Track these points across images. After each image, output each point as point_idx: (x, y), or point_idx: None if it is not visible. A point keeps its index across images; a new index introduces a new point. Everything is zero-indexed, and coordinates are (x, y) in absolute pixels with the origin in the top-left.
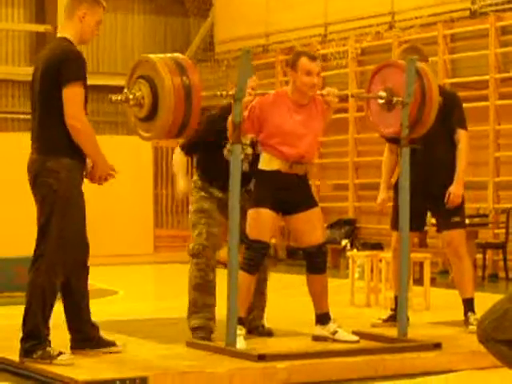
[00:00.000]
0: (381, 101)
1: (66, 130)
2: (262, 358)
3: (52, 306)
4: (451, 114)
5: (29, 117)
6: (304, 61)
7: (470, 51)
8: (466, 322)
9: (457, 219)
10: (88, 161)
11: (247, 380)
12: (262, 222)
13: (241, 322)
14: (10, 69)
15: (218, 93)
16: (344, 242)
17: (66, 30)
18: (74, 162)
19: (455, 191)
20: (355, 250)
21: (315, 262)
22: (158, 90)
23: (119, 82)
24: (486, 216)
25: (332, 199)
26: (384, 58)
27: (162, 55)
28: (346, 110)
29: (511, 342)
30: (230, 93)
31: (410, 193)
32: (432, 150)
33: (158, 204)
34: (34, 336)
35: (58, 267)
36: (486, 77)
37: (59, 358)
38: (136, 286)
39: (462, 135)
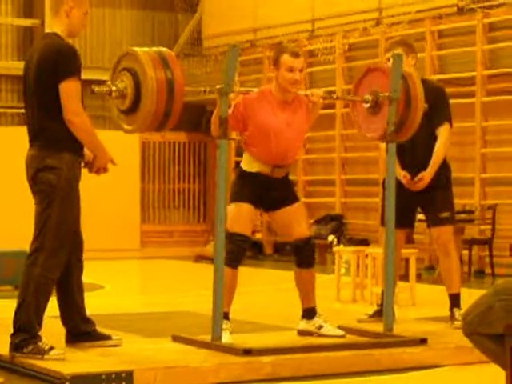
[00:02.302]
0: (366, 105)
1: (65, 124)
2: (247, 352)
3: (47, 300)
4: (437, 110)
5: (18, 111)
6: (286, 57)
7: (457, 47)
8: (452, 318)
9: (446, 215)
10: (88, 152)
11: (233, 374)
12: (242, 215)
13: (226, 316)
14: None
15: (202, 88)
16: (330, 237)
17: (54, 25)
18: (75, 157)
19: (425, 176)
20: (342, 246)
21: (303, 255)
22: (141, 82)
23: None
24: (472, 212)
25: (319, 195)
26: (371, 54)
27: (146, 48)
28: (332, 106)
29: (496, 336)
30: (218, 87)
31: (400, 190)
32: (419, 146)
33: (145, 199)
34: (26, 330)
35: (55, 261)
36: (474, 73)
37: (51, 352)
38: (122, 280)
39: (443, 129)
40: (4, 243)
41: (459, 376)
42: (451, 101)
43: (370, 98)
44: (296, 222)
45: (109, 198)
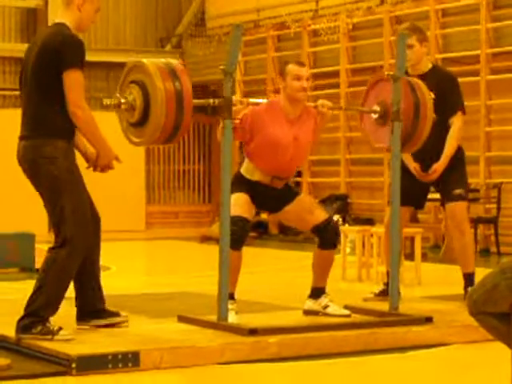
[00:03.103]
0: (375, 115)
1: (61, 112)
2: (253, 332)
3: (66, 289)
4: (449, 99)
5: (16, 93)
6: (291, 66)
7: (461, 26)
8: (466, 296)
9: (459, 191)
10: (91, 150)
11: (238, 354)
12: (241, 202)
13: (232, 297)
14: (1, 45)
15: (211, 101)
16: (336, 217)
17: (64, 16)
18: (67, 145)
19: (438, 168)
20: (347, 225)
21: (326, 237)
22: (150, 94)
23: (111, 58)
24: (477, 191)
25: (324, 174)
26: (376, 34)
27: (154, 60)
28: (337, 86)
29: (501, 314)
30: (221, 67)
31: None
32: (431, 136)
33: (150, 180)
34: (37, 315)
35: (78, 250)
36: (478, 51)
37: (60, 333)
38: (128, 261)
39: (456, 118)
40: (8, 226)
41: (465, 354)
42: None
43: (378, 108)
44: (305, 212)
45: (114, 180)
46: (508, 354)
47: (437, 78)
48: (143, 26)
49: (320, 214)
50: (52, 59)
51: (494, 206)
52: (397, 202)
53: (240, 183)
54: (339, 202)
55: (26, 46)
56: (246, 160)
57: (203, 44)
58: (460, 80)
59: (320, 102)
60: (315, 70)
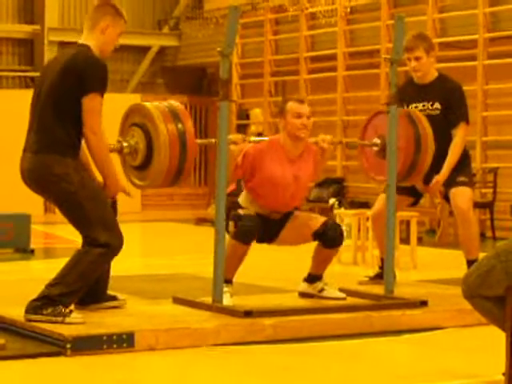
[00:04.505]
0: (375, 148)
1: (72, 133)
2: (248, 314)
3: (86, 286)
4: (454, 109)
5: (19, 74)
6: (292, 104)
7: (459, 10)
8: None
9: (462, 178)
10: (99, 179)
11: (234, 336)
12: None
13: (228, 281)
14: (1, 26)
15: (213, 140)
16: (332, 200)
17: (87, 39)
18: (76, 162)
19: (440, 180)
20: (343, 209)
21: (328, 238)
22: (153, 137)
23: None
24: (473, 175)
25: None
26: (373, 17)
27: (156, 103)
28: (334, 69)
29: (496, 298)
30: (218, 49)
31: None
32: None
33: None
34: (51, 302)
35: (116, 251)
36: (475, 36)
37: (72, 315)
38: (124, 243)
39: (460, 129)
40: (4, 207)
41: (459, 338)
42: (452, 64)
43: (378, 141)
44: (302, 227)
45: None
46: (502, 337)
47: (442, 87)
48: (141, 8)
49: (316, 221)
50: (74, 81)
51: (490, 190)
52: (393, 187)
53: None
54: (335, 186)
55: (23, 26)
56: (245, 192)
57: (200, 26)
58: (457, 64)
59: (320, 137)
60: (312, 54)
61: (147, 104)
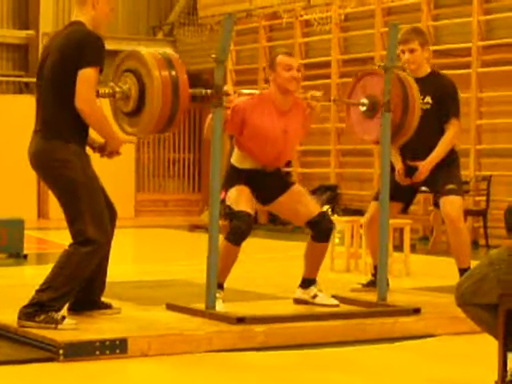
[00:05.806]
0: (363, 108)
1: (75, 115)
2: (240, 320)
3: (76, 289)
4: (446, 105)
5: (14, 79)
6: (282, 57)
7: (453, 18)
8: None
9: (451, 186)
10: (100, 141)
11: (226, 343)
12: (245, 197)
13: (220, 286)
14: None
15: (203, 90)
16: (325, 207)
17: (78, 16)
18: (80, 149)
19: (424, 168)
20: (336, 216)
21: (321, 230)
22: (146, 83)
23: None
24: (466, 183)
25: (314, 165)
26: (368, 24)
27: (150, 49)
28: (328, 76)
29: (489, 306)
30: (213, 56)
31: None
32: (424, 140)
33: (140, 168)
34: (42, 308)
35: (102, 249)
36: (469, 44)
37: (64, 322)
38: (117, 249)
39: (451, 124)
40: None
41: (452, 346)
42: (447, 72)
43: (366, 101)
44: (299, 205)
45: (103, 167)
46: (495, 345)
47: (435, 83)
48: (135, 14)
49: (314, 208)
50: (72, 57)
51: (484, 198)
52: (386, 194)
53: (237, 175)
54: (329, 193)
55: (17, 32)
56: (236, 149)
57: (195, 33)
58: (451, 72)
59: (310, 92)
60: (307, 61)
61: (142, 50)
